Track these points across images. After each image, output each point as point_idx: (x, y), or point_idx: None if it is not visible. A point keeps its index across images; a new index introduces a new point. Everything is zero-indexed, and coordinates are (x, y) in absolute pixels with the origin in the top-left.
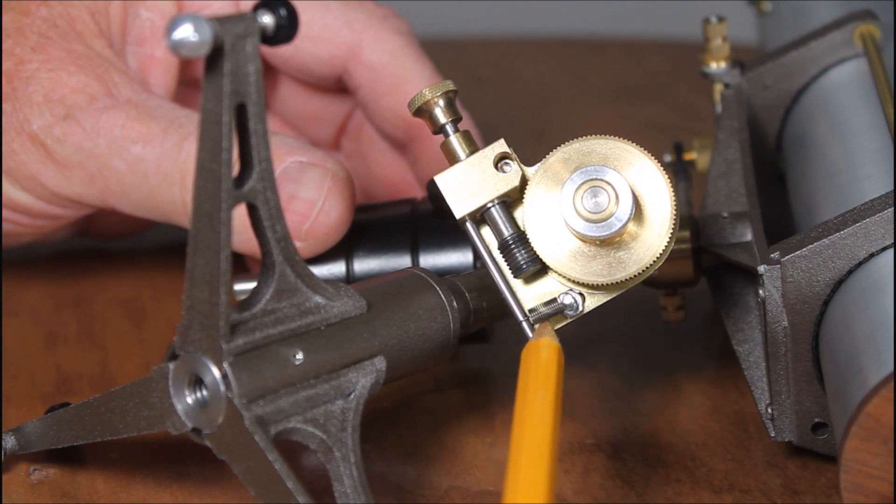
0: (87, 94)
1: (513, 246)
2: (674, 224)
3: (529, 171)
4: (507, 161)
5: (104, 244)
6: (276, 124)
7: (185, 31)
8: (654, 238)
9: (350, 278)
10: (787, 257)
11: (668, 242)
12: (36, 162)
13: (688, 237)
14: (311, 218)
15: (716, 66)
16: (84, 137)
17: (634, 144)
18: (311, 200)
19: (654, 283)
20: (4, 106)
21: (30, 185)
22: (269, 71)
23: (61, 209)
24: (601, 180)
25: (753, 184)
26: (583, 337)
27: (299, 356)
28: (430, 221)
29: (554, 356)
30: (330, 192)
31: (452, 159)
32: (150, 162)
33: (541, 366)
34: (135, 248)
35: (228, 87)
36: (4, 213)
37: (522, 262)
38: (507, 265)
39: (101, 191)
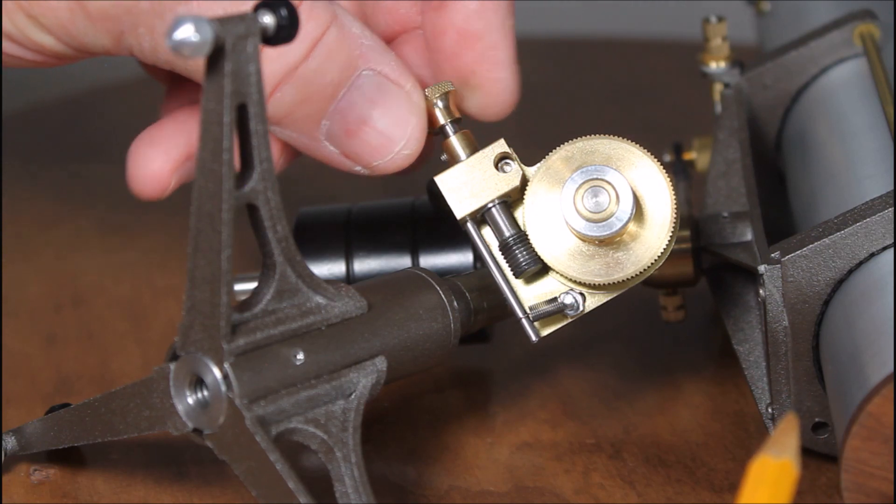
0: None
1: (514, 246)
2: (674, 224)
3: (530, 170)
4: (508, 161)
5: (103, 244)
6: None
7: (186, 32)
8: (654, 238)
9: (350, 278)
10: (787, 257)
11: (669, 242)
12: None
13: (688, 237)
14: (391, 154)
15: (715, 65)
16: None
17: (636, 144)
18: (390, 136)
19: (654, 283)
20: None
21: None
22: None
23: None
24: (602, 180)
25: (753, 184)
26: (583, 337)
27: (300, 356)
28: (431, 221)
29: (789, 484)
30: (415, 129)
31: (453, 159)
32: None
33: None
34: (134, 249)
35: (229, 88)
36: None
37: (523, 262)
38: (508, 265)
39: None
